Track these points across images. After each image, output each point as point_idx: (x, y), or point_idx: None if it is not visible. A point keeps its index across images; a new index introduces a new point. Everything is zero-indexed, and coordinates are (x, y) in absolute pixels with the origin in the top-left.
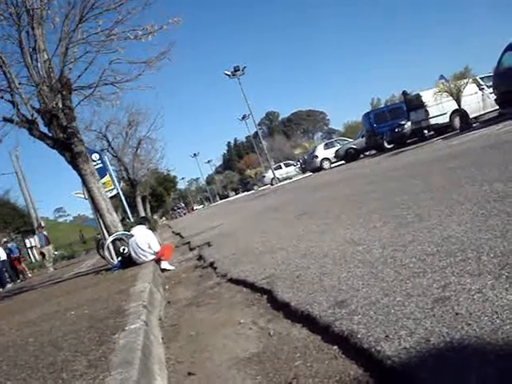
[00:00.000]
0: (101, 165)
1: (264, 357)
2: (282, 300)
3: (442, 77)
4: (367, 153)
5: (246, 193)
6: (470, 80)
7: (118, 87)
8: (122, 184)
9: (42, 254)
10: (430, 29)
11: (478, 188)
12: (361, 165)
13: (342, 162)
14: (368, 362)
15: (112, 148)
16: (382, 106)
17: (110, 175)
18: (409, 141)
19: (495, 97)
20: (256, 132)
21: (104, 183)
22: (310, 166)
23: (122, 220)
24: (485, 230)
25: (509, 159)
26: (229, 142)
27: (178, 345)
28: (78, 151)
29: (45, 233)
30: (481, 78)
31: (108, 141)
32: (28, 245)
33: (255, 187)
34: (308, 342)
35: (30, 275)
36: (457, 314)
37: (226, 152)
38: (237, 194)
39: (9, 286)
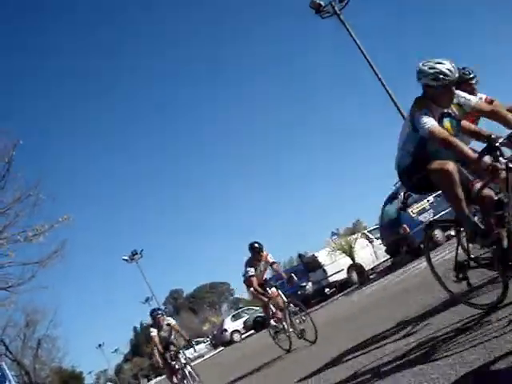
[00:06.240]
0: None
1: None
2: None
3: (333, 233)
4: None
5: (159, 378)
6: (359, 235)
7: (10, 291)
8: None
9: None
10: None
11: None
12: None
13: (253, 331)
14: None
15: (10, 352)
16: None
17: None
18: (313, 301)
19: (385, 247)
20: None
21: None
22: (219, 340)
23: None
24: None
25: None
26: (135, 327)
27: None
28: None
29: None
30: (369, 231)
31: (5, 345)
32: None
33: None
34: None
35: None
36: None
37: (133, 338)
38: (149, 381)
39: None
